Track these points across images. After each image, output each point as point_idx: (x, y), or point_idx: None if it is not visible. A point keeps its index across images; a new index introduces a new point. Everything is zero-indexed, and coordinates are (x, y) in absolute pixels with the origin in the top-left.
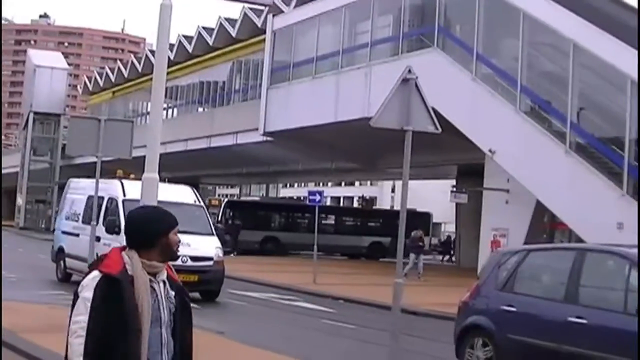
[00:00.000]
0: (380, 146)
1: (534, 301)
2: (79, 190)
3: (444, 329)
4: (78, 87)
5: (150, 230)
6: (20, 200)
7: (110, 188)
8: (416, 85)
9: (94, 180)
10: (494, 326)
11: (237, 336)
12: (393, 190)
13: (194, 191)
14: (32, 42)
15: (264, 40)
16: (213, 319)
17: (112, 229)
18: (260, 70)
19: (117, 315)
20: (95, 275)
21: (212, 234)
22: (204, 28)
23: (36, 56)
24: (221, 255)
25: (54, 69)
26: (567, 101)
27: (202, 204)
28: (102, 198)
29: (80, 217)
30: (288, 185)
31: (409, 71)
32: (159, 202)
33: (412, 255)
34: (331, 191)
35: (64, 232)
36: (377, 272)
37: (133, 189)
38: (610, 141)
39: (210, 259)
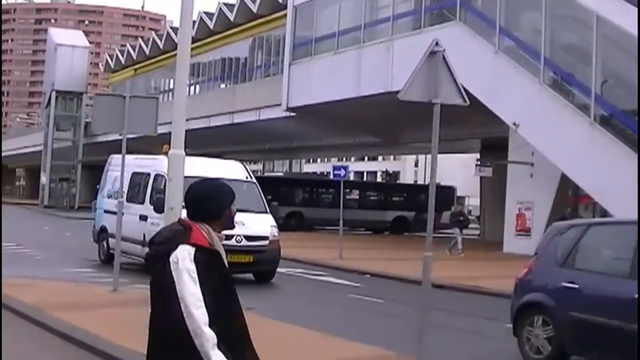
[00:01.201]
0: (402, 120)
1: (597, 277)
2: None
3: (470, 303)
4: (100, 65)
5: (218, 202)
6: (44, 179)
7: (157, 164)
8: (444, 58)
9: (137, 157)
10: (555, 303)
11: (266, 312)
12: (416, 165)
13: (244, 167)
14: (52, 20)
15: (285, 15)
16: (242, 295)
17: (161, 207)
18: (282, 46)
19: (220, 283)
20: (189, 248)
21: (266, 212)
22: (224, 4)
23: (57, 35)
24: (276, 234)
25: (75, 47)
26: (591, 73)
27: (254, 180)
28: (148, 175)
29: (124, 195)
30: (311, 160)
31: (437, 44)
32: (205, 178)
33: (456, 230)
34: (354, 166)
35: (106, 211)
36: (402, 246)
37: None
38: (634, 113)
39: (265, 238)
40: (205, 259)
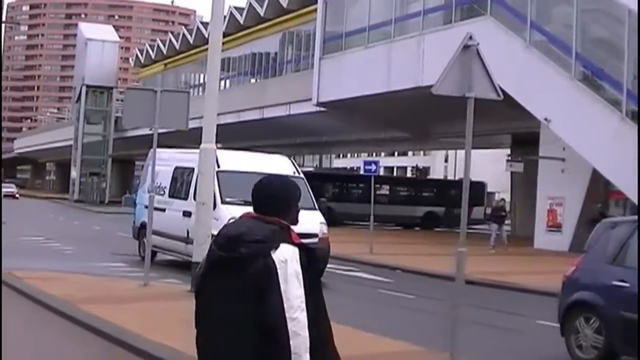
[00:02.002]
0: (432, 116)
1: None
2: (163, 161)
3: (501, 298)
4: (130, 59)
5: (292, 197)
6: (74, 173)
7: None
8: (477, 52)
9: (180, 151)
10: (604, 302)
11: None
12: (446, 160)
13: (292, 162)
14: (83, 15)
15: (315, 10)
16: None
17: None
18: (312, 41)
19: (312, 284)
20: (294, 248)
21: (315, 208)
22: None
23: (87, 29)
24: (325, 231)
25: (105, 41)
26: (622, 68)
27: (301, 175)
28: (192, 170)
29: (167, 191)
30: (341, 155)
31: (470, 37)
32: (253, 173)
33: (494, 226)
34: (384, 161)
35: (147, 207)
36: (432, 241)
37: (227, 159)
38: None
39: (314, 235)
40: (305, 260)
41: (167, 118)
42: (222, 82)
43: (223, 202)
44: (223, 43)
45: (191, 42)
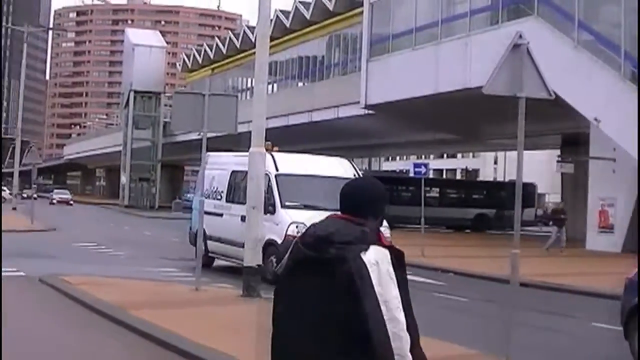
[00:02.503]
0: (481, 117)
1: None
2: (220, 165)
3: (554, 301)
4: (177, 64)
5: (383, 199)
6: (124, 179)
7: None
8: (528, 51)
9: (237, 154)
10: None
11: None
12: (495, 162)
13: (352, 164)
14: (129, 21)
15: (361, 12)
16: None
17: (265, 207)
18: (359, 43)
19: (399, 286)
20: (384, 250)
21: None
22: (300, 2)
23: (134, 35)
24: (388, 235)
25: (152, 47)
26: None
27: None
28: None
29: (224, 195)
30: (390, 158)
31: (520, 36)
32: (313, 176)
33: (554, 228)
34: (433, 163)
35: (204, 212)
36: (484, 244)
37: (285, 163)
38: None
39: None
40: (395, 262)
41: (216, 122)
42: (270, 86)
43: (283, 206)
44: (270, 47)
45: (238, 46)
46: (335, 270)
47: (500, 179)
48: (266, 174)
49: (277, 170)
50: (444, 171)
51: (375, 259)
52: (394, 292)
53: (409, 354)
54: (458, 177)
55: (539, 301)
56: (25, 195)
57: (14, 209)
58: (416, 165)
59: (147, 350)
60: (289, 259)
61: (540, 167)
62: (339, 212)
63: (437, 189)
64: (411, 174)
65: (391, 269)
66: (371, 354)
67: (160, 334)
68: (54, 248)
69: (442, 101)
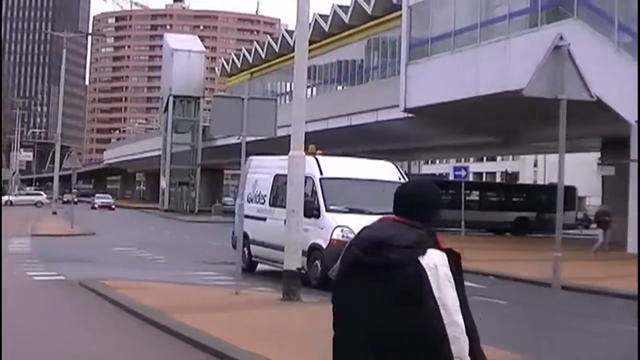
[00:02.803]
0: (521, 120)
1: None
2: (263, 169)
3: (596, 304)
4: (215, 69)
5: (439, 202)
6: (163, 183)
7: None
8: (569, 52)
9: (281, 158)
10: None
11: None
12: (535, 165)
13: (397, 167)
14: (168, 26)
15: (399, 16)
16: None
17: (310, 211)
18: (398, 47)
19: (459, 289)
20: (441, 253)
21: None
22: (339, 6)
23: (173, 40)
24: None
25: (190, 52)
26: None
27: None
28: None
29: (267, 199)
30: (430, 162)
31: (561, 38)
32: (357, 179)
33: (600, 231)
34: (473, 167)
35: (247, 216)
36: (524, 247)
37: (330, 166)
38: None
39: None
40: (452, 264)
41: (255, 126)
42: (309, 90)
43: (327, 210)
44: (309, 51)
45: (277, 50)
46: (395, 274)
47: (540, 181)
48: (310, 178)
49: (321, 173)
50: (484, 174)
51: (434, 262)
52: (453, 295)
53: (468, 357)
54: (498, 180)
55: (580, 304)
56: (65, 200)
57: (54, 213)
58: (456, 169)
59: (186, 353)
60: (342, 263)
61: (580, 170)
62: (390, 215)
63: (477, 192)
64: (451, 178)
65: (449, 272)
66: (431, 358)
67: (199, 337)
68: (93, 252)
69: (482, 104)
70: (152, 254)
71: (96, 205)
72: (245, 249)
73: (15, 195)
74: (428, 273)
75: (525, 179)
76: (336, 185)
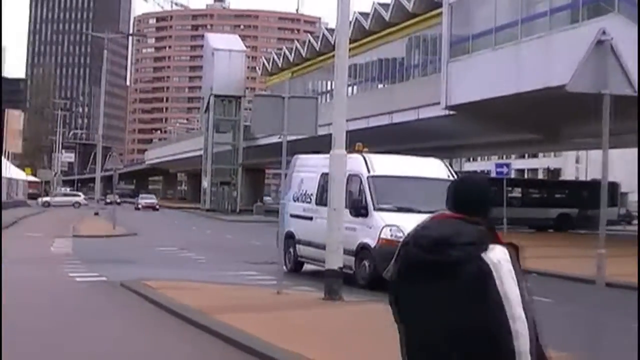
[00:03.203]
0: (563, 116)
1: None
2: (309, 167)
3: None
4: (256, 68)
5: (493, 197)
6: (205, 183)
7: (351, 164)
8: (612, 47)
9: (326, 156)
10: None
11: None
12: (577, 161)
13: (446, 165)
14: (209, 26)
15: (440, 13)
16: None
17: (358, 210)
18: (438, 44)
19: (520, 282)
20: (503, 249)
21: None
22: (379, 4)
23: (214, 40)
24: None
25: (231, 51)
26: None
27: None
28: None
29: (313, 198)
30: (471, 159)
31: (604, 32)
32: (406, 177)
33: None
34: (515, 164)
35: (292, 216)
36: (567, 244)
37: (378, 164)
38: None
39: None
40: (513, 258)
41: (296, 124)
42: (350, 89)
43: (376, 208)
44: (350, 49)
45: (317, 49)
46: (459, 272)
47: (582, 178)
48: (358, 176)
49: (369, 171)
50: (526, 171)
51: (497, 258)
52: (516, 290)
53: (529, 354)
54: (540, 176)
55: (625, 302)
56: (108, 201)
57: (96, 214)
58: (498, 166)
59: (227, 354)
60: (399, 262)
61: (622, 166)
62: (443, 212)
63: (519, 189)
64: (493, 175)
65: (511, 267)
66: (496, 353)
67: (240, 337)
68: (135, 253)
69: (524, 101)
70: (194, 253)
71: (140, 206)
72: (292, 249)
73: (53, 195)
74: (492, 269)
75: (568, 175)
76: (384, 184)
